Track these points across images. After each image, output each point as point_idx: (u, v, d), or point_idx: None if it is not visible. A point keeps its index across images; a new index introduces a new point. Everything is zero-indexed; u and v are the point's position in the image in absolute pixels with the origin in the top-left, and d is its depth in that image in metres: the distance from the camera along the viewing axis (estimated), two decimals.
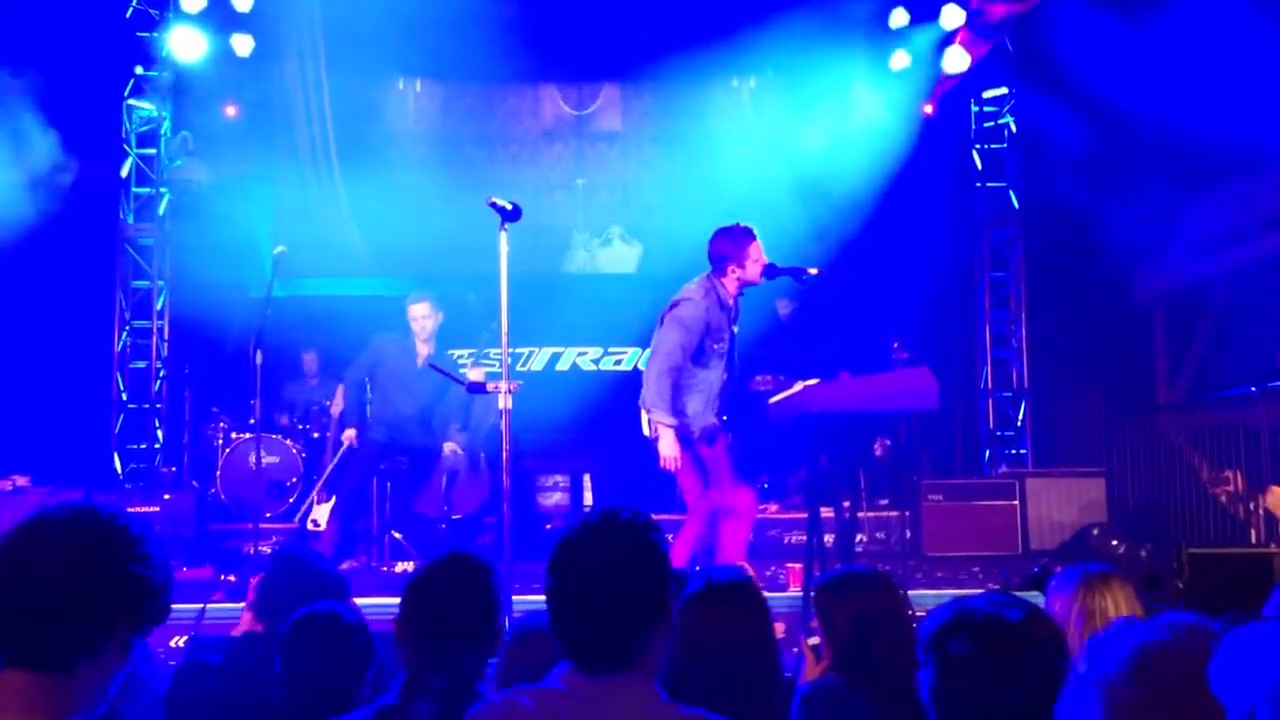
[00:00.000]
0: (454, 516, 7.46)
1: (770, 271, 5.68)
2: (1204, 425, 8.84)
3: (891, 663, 2.92)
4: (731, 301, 5.75)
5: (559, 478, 9.31)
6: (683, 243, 9.30)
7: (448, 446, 7.38)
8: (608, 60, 10.02)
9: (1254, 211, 9.35)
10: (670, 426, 5.52)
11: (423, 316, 7.29)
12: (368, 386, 7.50)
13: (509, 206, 4.92)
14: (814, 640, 3.61)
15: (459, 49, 8.81)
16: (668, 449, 5.53)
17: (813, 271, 5.63)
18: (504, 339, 4.85)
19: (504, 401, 4.78)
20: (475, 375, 6.55)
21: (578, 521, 2.21)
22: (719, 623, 2.81)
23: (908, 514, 8.44)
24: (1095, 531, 7.16)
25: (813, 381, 5.29)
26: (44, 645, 1.73)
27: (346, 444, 7.44)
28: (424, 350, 7.36)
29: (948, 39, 9.87)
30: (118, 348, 9.62)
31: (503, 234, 4.93)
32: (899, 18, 9.89)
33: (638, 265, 10.34)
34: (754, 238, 5.74)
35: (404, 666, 2.55)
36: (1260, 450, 7.65)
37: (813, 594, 3.24)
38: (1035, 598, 2.92)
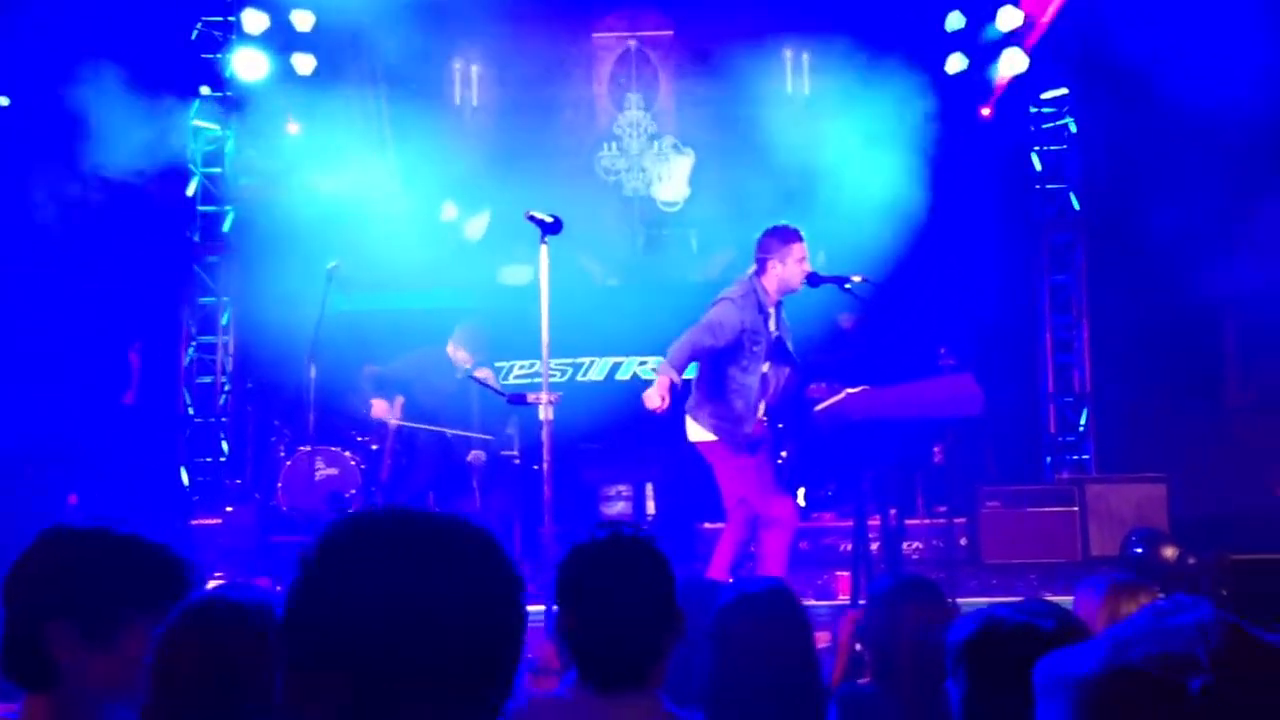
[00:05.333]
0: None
1: (813, 279, 5.69)
2: (1274, 428, 8.64)
3: (927, 671, 2.91)
4: (771, 307, 5.76)
5: (622, 487, 9.35)
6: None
7: (473, 454, 7.46)
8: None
9: None
10: (666, 374, 5.52)
11: (467, 358, 7.45)
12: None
13: (549, 219, 4.98)
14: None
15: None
16: (653, 390, 5.51)
17: (856, 279, 5.63)
18: (544, 351, 4.90)
19: (544, 413, 4.83)
20: (482, 373, 6.69)
21: (583, 542, 2.24)
22: (755, 632, 2.82)
23: (965, 520, 8.36)
24: (1136, 539, 7.02)
25: (856, 389, 5.27)
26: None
27: (390, 419, 7.48)
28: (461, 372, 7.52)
29: (1005, 41, 9.79)
30: (184, 363, 9.86)
31: (543, 247, 4.99)
32: (954, 21, 9.83)
33: (689, 177, 10.40)
34: (800, 238, 5.77)
35: None
36: None
37: (860, 601, 3.24)
38: None
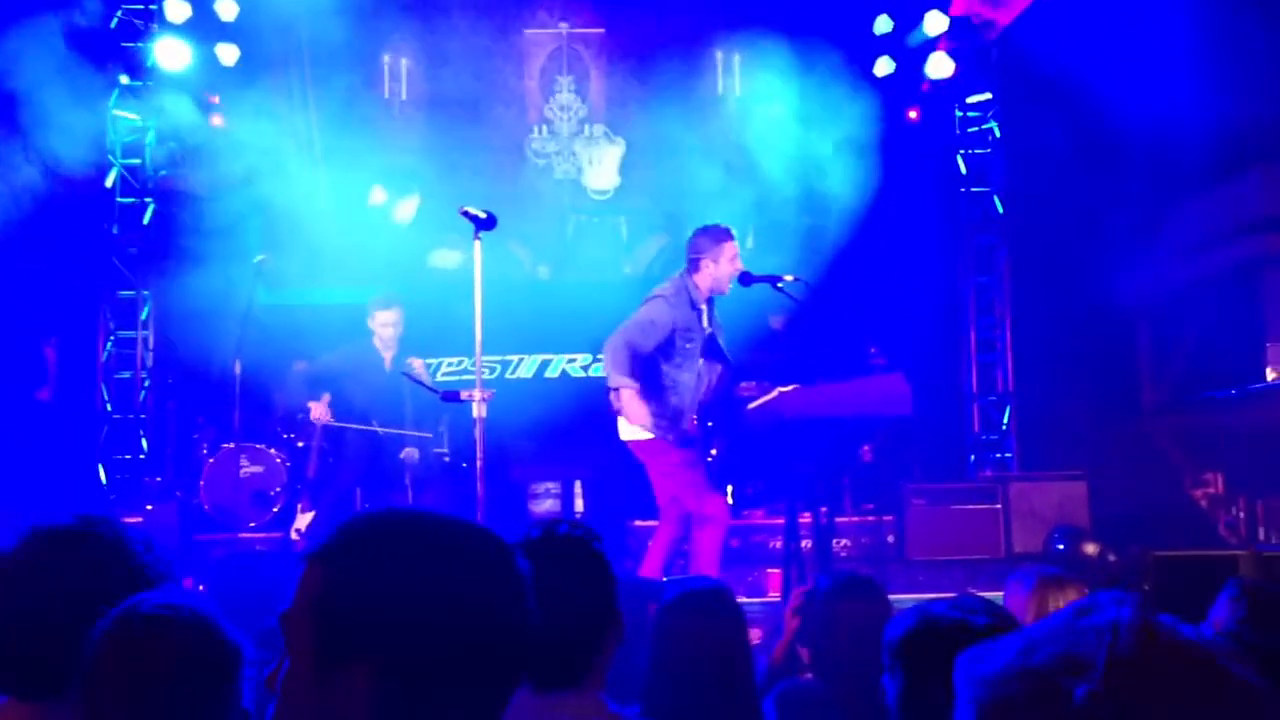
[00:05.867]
0: None
1: (746, 279, 5.71)
2: (1187, 428, 8.87)
3: (866, 667, 2.93)
4: (704, 304, 5.77)
5: (550, 484, 9.31)
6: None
7: (406, 452, 7.38)
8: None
9: (1236, 215, 9.39)
10: (630, 388, 5.52)
11: (392, 323, 7.30)
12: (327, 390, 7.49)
13: (483, 215, 4.94)
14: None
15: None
16: (628, 404, 5.48)
17: (788, 278, 5.66)
18: (478, 347, 4.86)
19: (478, 410, 4.79)
20: (416, 365, 6.62)
21: (519, 539, 2.21)
22: (697, 630, 2.83)
23: (892, 518, 8.46)
24: (1058, 536, 7.19)
25: (788, 388, 5.31)
26: (36, 670, 1.73)
27: (320, 419, 7.34)
28: (388, 355, 7.37)
29: (931, 45, 9.93)
30: (103, 358, 9.62)
31: (476, 243, 4.95)
32: (883, 25, 9.94)
33: (619, 166, 10.42)
34: (731, 237, 5.81)
35: None
36: (1242, 452, 7.69)
37: (803, 597, 3.25)
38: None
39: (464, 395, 4.94)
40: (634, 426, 5.67)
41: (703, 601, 2.94)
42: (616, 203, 10.44)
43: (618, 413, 5.73)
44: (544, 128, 10.46)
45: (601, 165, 10.45)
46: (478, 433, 4.77)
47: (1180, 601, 3.82)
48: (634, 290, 9.52)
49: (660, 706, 2.73)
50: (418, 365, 7.18)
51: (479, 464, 4.73)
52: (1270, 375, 7.90)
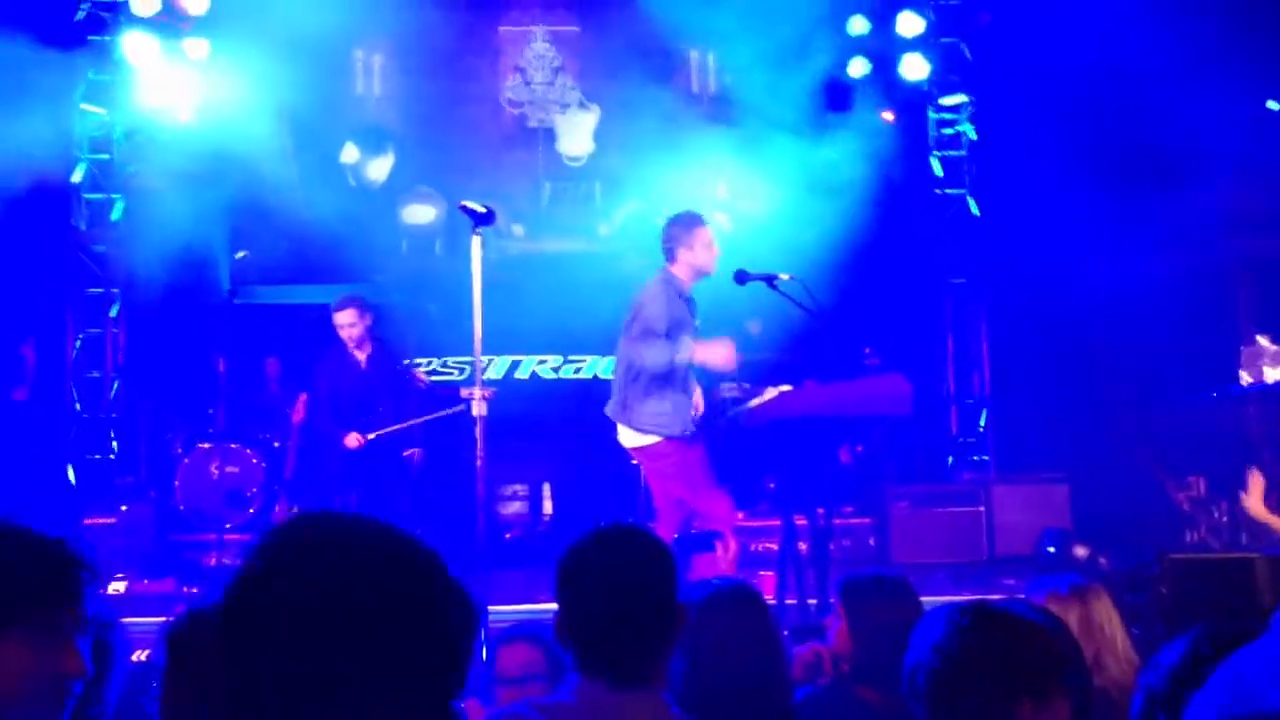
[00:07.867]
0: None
1: (741, 277, 5.64)
2: (1166, 431, 8.93)
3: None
4: (689, 293, 5.71)
5: (518, 487, 9.27)
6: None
7: (411, 451, 7.32)
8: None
9: (1210, 218, 9.49)
10: (685, 347, 5.46)
11: (349, 324, 7.23)
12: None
13: (482, 210, 4.84)
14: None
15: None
16: (702, 350, 5.42)
17: (785, 277, 5.61)
18: (476, 345, 4.77)
19: (478, 409, 4.71)
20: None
21: (586, 535, 2.17)
22: (728, 629, 2.80)
23: (872, 520, 8.45)
24: (1049, 539, 7.23)
25: (786, 388, 5.26)
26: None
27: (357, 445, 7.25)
28: (361, 356, 7.27)
29: (906, 46, 9.95)
30: (71, 356, 9.41)
31: (475, 238, 4.85)
32: (858, 25, 9.95)
33: (593, 132, 10.41)
34: (704, 222, 5.76)
35: None
36: (1222, 454, 7.74)
37: (840, 595, 3.22)
38: None
39: (464, 393, 4.85)
40: (635, 433, 5.57)
41: (737, 600, 2.90)
42: (591, 168, 10.39)
43: (617, 420, 5.63)
44: (518, 75, 10.39)
45: (576, 130, 10.40)
46: (478, 431, 4.69)
47: (1195, 602, 3.81)
48: (609, 279, 9.44)
49: (695, 705, 2.69)
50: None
51: (479, 463, 4.65)
52: (1244, 379, 7.97)
